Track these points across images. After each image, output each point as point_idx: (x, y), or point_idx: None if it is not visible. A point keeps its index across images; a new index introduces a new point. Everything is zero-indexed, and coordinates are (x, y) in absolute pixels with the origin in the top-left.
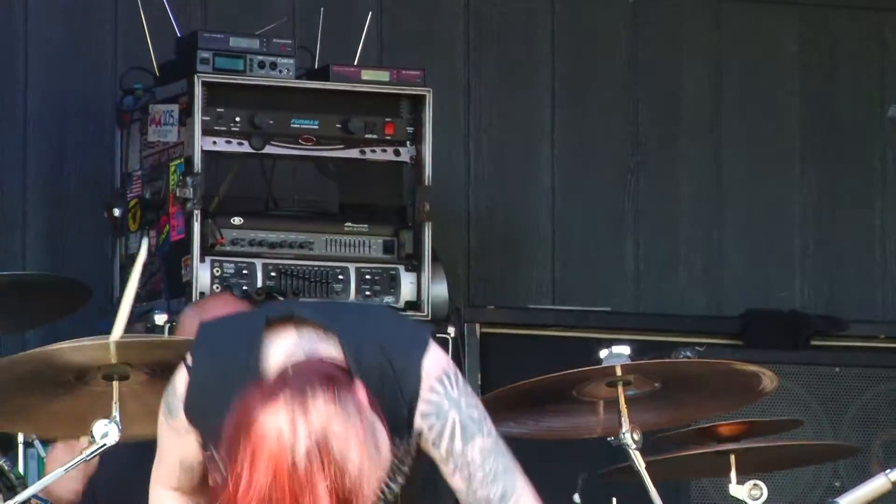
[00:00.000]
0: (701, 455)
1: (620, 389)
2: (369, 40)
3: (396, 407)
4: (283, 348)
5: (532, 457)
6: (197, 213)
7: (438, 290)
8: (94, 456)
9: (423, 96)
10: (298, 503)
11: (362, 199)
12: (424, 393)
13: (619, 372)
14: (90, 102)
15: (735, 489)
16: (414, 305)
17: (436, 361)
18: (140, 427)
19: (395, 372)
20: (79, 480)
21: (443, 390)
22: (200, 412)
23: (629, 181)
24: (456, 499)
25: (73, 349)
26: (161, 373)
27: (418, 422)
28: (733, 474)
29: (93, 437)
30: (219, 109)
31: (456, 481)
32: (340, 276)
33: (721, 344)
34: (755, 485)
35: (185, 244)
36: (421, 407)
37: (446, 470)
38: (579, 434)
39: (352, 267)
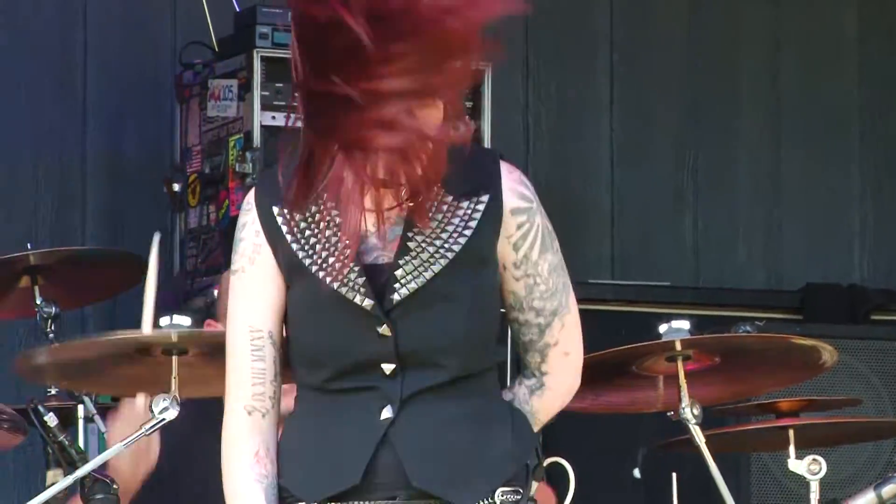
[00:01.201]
0: (760, 429)
1: (680, 364)
2: None
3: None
4: None
5: (592, 431)
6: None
7: None
8: (154, 431)
9: (482, 71)
10: None
11: None
12: (514, 185)
13: (678, 347)
14: (149, 77)
15: (794, 464)
16: None
17: (510, 166)
18: (191, 391)
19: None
20: (139, 466)
21: (530, 192)
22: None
23: (688, 155)
24: None
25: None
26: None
27: (508, 218)
28: (792, 449)
29: (152, 412)
30: (278, 84)
31: (517, 286)
32: None
33: (780, 318)
34: (814, 460)
35: None
36: (510, 202)
37: (512, 273)
38: (639, 409)
39: None
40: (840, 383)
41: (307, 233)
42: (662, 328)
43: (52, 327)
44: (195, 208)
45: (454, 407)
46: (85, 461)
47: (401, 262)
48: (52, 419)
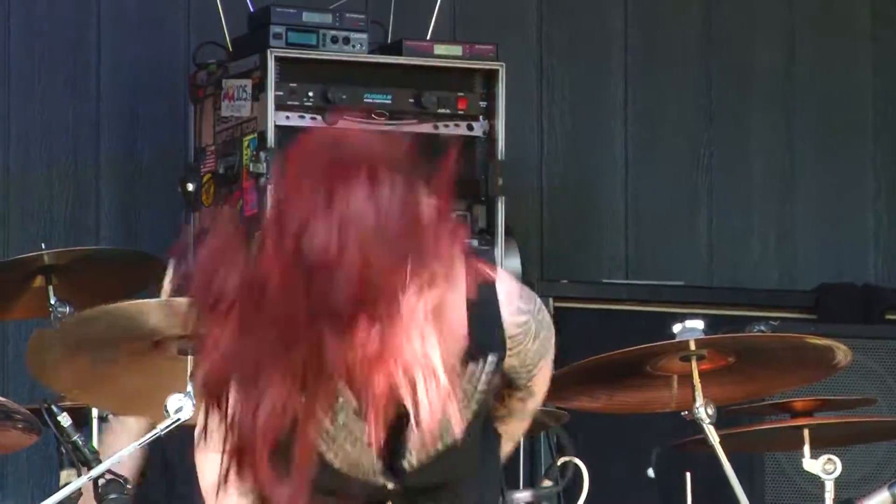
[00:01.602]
0: (775, 429)
1: (694, 364)
2: (442, 14)
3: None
4: None
5: (606, 431)
6: (270, 187)
7: (512, 264)
8: (169, 429)
9: (496, 71)
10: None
11: None
12: (513, 316)
13: (692, 346)
14: (163, 77)
15: (809, 463)
16: None
17: (507, 284)
18: None
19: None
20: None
21: (525, 305)
22: None
23: (702, 155)
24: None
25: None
26: None
27: (511, 329)
28: (807, 448)
29: (167, 411)
30: (292, 84)
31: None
32: None
33: (795, 318)
34: (829, 459)
35: (259, 219)
36: (511, 329)
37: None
38: (653, 409)
39: None
40: (854, 383)
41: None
42: (676, 328)
43: None
44: (209, 208)
45: None
46: (99, 461)
47: (409, 435)
48: (65, 419)
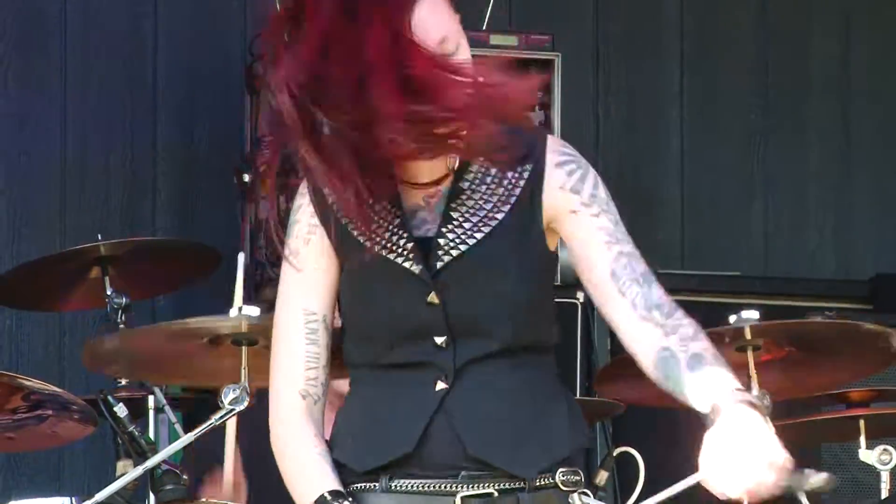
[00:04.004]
0: (831, 420)
1: (750, 354)
2: (498, 5)
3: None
4: None
5: (659, 424)
6: None
7: (568, 255)
8: (223, 420)
9: (552, 61)
10: None
11: None
12: (556, 146)
13: (748, 335)
14: (220, 68)
15: (865, 454)
16: None
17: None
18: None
19: None
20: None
21: (572, 150)
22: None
23: (758, 143)
24: None
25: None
26: None
27: (552, 171)
28: (863, 439)
29: (221, 402)
30: None
31: (601, 222)
32: None
33: (850, 308)
34: (885, 450)
35: None
36: (554, 159)
37: (587, 214)
38: None
39: None
40: None
41: None
42: (732, 318)
43: (123, 318)
44: (265, 198)
45: (509, 378)
46: (155, 452)
47: (444, 230)
48: (121, 410)
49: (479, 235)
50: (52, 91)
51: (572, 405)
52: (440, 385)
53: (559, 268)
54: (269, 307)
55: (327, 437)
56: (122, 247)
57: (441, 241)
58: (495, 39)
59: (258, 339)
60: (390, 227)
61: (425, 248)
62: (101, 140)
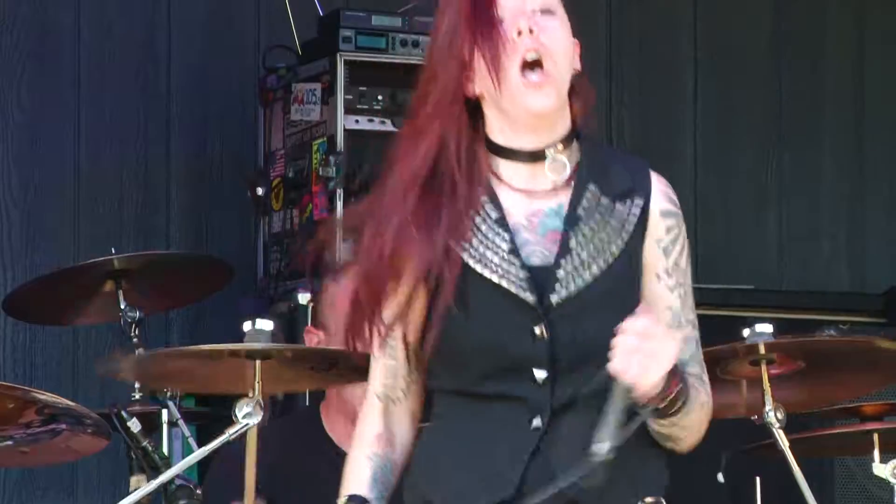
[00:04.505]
0: (844, 434)
1: (764, 368)
2: None
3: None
4: None
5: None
6: (340, 191)
7: None
8: (236, 435)
9: None
10: None
11: None
12: (665, 189)
13: (762, 350)
14: (233, 81)
15: (878, 468)
16: None
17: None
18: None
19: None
20: None
21: (677, 201)
22: None
23: (772, 155)
24: None
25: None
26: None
27: (656, 219)
28: (877, 453)
29: (235, 416)
30: (361, 88)
31: (671, 298)
32: None
33: (865, 322)
34: None
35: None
36: (660, 205)
37: (666, 283)
38: (723, 413)
39: None
40: None
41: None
42: (746, 332)
43: (136, 332)
44: (279, 212)
45: None
46: (168, 466)
47: (562, 261)
48: (135, 424)
49: (596, 270)
50: (66, 103)
51: (659, 450)
52: (536, 422)
53: None
54: (284, 321)
55: (339, 440)
56: (135, 260)
57: (559, 272)
58: None
59: (272, 353)
60: (499, 251)
61: (539, 277)
62: (115, 152)
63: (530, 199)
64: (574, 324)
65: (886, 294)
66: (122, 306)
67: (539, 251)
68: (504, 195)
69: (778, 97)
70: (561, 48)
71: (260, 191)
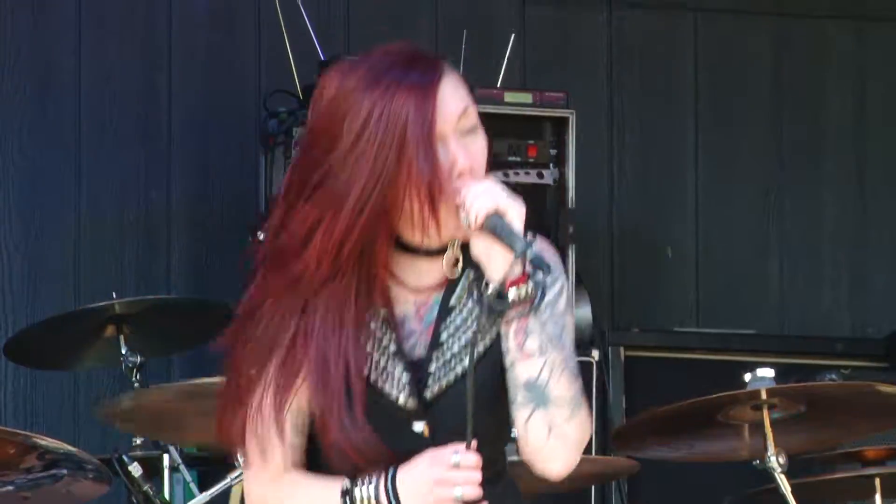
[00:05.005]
0: (846, 478)
1: (765, 413)
2: (512, 62)
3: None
4: None
5: (677, 479)
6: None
7: (583, 312)
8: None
9: (567, 119)
10: None
11: None
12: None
13: (763, 395)
14: (234, 125)
15: None
16: None
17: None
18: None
19: None
20: None
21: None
22: None
23: (773, 201)
24: None
25: None
26: None
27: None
28: (878, 498)
29: (237, 462)
30: None
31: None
32: None
33: (866, 366)
34: None
35: None
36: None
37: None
38: (724, 457)
39: None
40: None
41: None
42: (747, 377)
43: (138, 376)
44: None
45: None
46: None
47: (433, 355)
48: (136, 469)
49: (464, 365)
50: (67, 147)
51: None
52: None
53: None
54: None
55: None
56: (136, 305)
57: (431, 366)
58: (510, 97)
59: None
60: (382, 347)
61: (415, 372)
62: (116, 197)
63: (421, 292)
64: (452, 417)
65: (888, 339)
66: (124, 351)
67: (417, 341)
68: (395, 291)
69: (779, 143)
70: (482, 163)
71: (261, 236)
